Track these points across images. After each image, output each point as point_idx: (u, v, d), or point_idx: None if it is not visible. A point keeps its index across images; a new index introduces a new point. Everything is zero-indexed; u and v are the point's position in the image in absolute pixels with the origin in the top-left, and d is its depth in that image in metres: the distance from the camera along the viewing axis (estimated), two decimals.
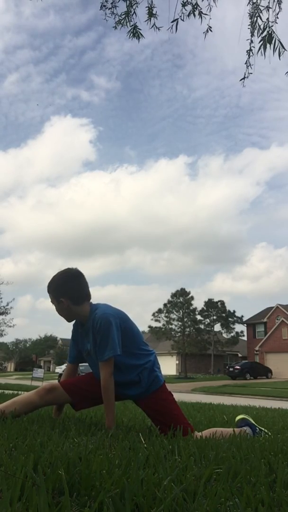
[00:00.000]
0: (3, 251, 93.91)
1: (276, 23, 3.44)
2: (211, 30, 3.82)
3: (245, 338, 48.74)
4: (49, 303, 2.52)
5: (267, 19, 3.49)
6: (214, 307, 47.66)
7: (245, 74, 3.82)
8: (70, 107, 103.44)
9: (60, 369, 44.44)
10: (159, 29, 3.88)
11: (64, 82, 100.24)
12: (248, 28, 3.64)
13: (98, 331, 2.38)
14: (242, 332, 48.07)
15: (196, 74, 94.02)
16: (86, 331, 2.51)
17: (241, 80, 3.86)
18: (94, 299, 2.55)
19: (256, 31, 3.59)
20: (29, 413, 2.46)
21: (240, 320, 47.63)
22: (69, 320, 2.58)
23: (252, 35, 3.66)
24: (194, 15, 3.75)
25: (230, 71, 75.85)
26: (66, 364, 2.74)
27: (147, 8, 3.90)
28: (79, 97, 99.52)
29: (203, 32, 3.84)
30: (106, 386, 2.35)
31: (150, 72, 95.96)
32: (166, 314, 46.45)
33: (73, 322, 2.64)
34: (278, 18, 3.44)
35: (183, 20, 3.73)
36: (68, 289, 2.47)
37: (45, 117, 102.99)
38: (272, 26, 3.45)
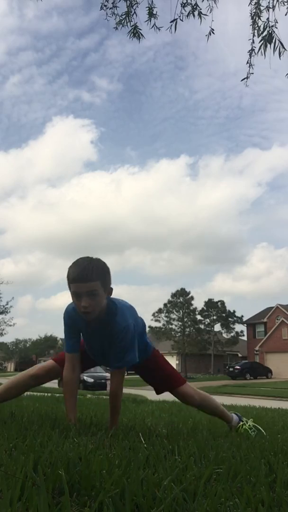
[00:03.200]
0: (4, 251, 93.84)
1: (277, 26, 3.45)
2: (213, 32, 3.82)
3: (245, 338, 48.76)
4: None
5: (267, 19, 3.50)
6: (214, 307, 47.72)
7: (247, 74, 3.83)
8: (72, 109, 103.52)
9: None
10: (159, 29, 3.89)
11: (66, 84, 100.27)
12: (251, 26, 3.64)
13: (122, 338, 2.19)
14: (242, 332, 48.15)
15: (198, 76, 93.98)
16: (98, 329, 2.24)
17: (242, 80, 3.87)
18: None
19: (257, 31, 3.59)
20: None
21: (240, 320, 47.69)
22: (95, 316, 2.18)
23: (254, 35, 3.66)
24: (194, 15, 3.75)
25: (232, 73, 75.90)
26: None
27: (147, 9, 3.90)
28: (81, 99, 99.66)
29: (206, 35, 3.84)
30: (117, 393, 2.26)
31: (152, 74, 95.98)
32: (166, 314, 46.55)
33: (71, 313, 2.30)
34: (277, 22, 3.45)
35: (182, 20, 3.74)
36: (103, 268, 2.19)
37: (47, 118, 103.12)
38: (272, 26, 3.45)
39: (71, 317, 2.31)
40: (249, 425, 2.76)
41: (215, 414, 2.80)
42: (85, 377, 20.25)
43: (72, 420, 2.27)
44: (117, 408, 2.31)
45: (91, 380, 20.68)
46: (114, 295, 2.28)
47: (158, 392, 2.63)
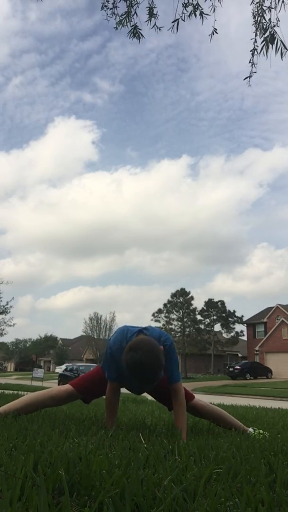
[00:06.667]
0: (4, 252, 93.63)
1: (279, 25, 3.45)
2: (216, 32, 3.82)
3: (245, 338, 48.73)
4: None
5: (269, 19, 3.49)
6: (214, 307, 47.68)
7: (250, 73, 3.82)
8: (74, 110, 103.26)
9: (60, 369, 44.37)
10: (160, 29, 3.88)
11: (68, 86, 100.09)
12: (253, 25, 3.63)
13: (173, 351, 2.43)
14: (242, 332, 48.09)
15: (200, 77, 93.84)
16: None
17: (245, 79, 3.85)
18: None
19: (259, 31, 3.59)
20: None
21: (240, 320, 47.63)
22: None
23: (256, 34, 3.66)
24: (195, 15, 3.75)
25: (234, 75, 75.98)
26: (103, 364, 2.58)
27: (147, 9, 3.90)
28: (83, 100, 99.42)
29: (209, 35, 3.84)
30: (184, 403, 2.44)
31: (154, 76, 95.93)
32: (166, 314, 46.49)
33: (117, 347, 2.37)
34: (279, 20, 3.45)
35: (183, 20, 3.73)
36: (162, 358, 2.21)
37: (49, 119, 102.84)
38: (274, 26, 3.45)
39: (116, 357, 2.35)
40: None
41: (231, 424, 2.77)
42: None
43: (110, 427, 2.41)
44: (184, 415, 2.39)
45: None
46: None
47: (172, 409, 2.55)
